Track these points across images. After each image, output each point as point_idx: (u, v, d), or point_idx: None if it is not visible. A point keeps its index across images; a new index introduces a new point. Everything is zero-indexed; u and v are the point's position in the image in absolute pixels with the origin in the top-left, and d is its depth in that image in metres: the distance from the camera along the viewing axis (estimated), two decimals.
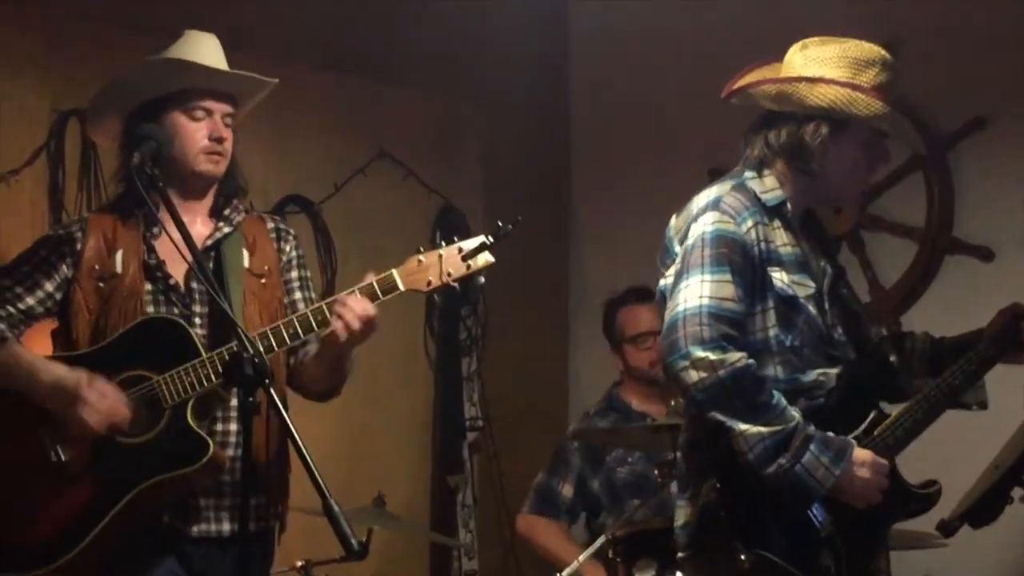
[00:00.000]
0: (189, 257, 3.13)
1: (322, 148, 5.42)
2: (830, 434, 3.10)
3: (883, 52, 3.24)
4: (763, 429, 3.03)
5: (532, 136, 6.04)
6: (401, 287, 3.23)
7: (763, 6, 5.32)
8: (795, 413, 3.07)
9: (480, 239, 3.21)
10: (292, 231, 3.56)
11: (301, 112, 5.23)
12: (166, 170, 3.31)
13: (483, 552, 5.70)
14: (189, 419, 3.20)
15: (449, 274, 3.21)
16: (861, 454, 3.09)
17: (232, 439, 3.31)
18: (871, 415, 3.19)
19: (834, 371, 3.19)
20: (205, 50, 3.40)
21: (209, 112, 3.38)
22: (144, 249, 3.34)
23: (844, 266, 3.44)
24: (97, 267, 3.33)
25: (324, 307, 3.25)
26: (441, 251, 3.23)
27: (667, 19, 5.65)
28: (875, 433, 3.17)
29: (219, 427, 3.31)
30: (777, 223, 3.22)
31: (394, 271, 3.24)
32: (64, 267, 3.33)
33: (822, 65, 3.22)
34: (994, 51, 4.95)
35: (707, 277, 3.09)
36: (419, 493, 5.66)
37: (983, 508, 3.36)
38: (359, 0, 5.38)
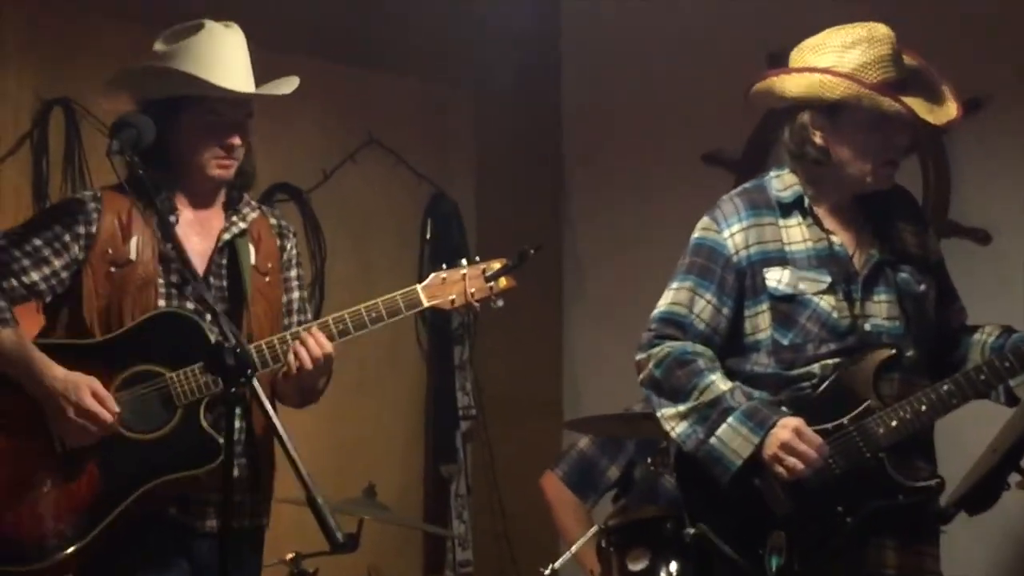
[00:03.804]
0: (193, 257, 3.12)
1: (311, 135, 5.37)
2: (764, 408, 3.10)
3: (872, 30, 3.19)
4: (680, 408, 3.17)
5: (524, 122, 5.99)
6: (424, 303, 3.26)
7: None
8: (721, 388, 3.13)
9: (503, 261, 3.29)
10: (292, 228, 3.51)
11: (289, 99, 5.11)
12: (176, 165, 3.27)
13: (477, 542, 5.67)
14: (202, 420, 3.17)
15: (472, 294, 3.27)
16: (790, 420, 3.08)
17: (242, 436, 3.26)
18: (864, 404, 3.13)
19: (832, 363, 3.16)
20: (230, 51, 3.29)
21: (224, 119, 3.29)
22: (160, 237, 3.25)
23: (916, 249, 3.31)
24: (111, 251, 3.23)
25: (289, 337, 3.22)
26: (464, 270, 3.29)
27: (658, 3, 5.61)
28: (863, 421, 3.13)
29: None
30: (794, 219, 3.24)
31: (418, 287, 3.27)
32: (76, 248, 3.22)
33: (806, 54, 3.21)
34: (989, 33, 4.91)
35: (673, 285, 3.28)
36: (412, 483, 5.64)
37: (980, 494, 3.31)
38: None
